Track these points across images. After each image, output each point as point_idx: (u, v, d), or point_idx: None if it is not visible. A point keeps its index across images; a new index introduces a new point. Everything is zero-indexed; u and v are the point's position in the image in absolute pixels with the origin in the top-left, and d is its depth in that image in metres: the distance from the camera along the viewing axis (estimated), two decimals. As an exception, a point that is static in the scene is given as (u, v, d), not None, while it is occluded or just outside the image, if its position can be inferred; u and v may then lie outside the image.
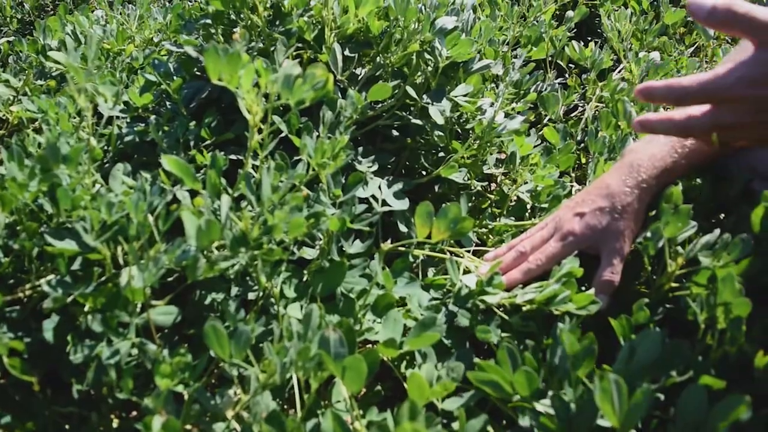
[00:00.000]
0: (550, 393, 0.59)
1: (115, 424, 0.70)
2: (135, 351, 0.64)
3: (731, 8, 0.65)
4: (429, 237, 0.72)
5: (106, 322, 0.64)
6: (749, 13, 0.65)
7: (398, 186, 0.90)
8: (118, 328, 0.65)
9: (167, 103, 1.04)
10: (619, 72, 1.49)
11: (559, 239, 0.80)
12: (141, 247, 0.63)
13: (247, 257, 0.60)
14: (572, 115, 1.45)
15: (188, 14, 1.11)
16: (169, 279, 0.76)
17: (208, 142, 0.95)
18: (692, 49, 1.66)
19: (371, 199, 0.86)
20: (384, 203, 0.87)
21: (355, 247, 0.79)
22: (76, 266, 0.67)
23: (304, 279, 0.74)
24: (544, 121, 1.32)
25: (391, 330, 0.64)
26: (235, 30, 0.99)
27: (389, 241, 0.68)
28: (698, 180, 0.88)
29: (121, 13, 1.50)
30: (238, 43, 0.63)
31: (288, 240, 0.63)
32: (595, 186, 0.83)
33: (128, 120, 1.03)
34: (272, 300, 0.71)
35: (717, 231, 0.72)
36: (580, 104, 1.45)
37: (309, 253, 0.76)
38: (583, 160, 1.27)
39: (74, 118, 0.98)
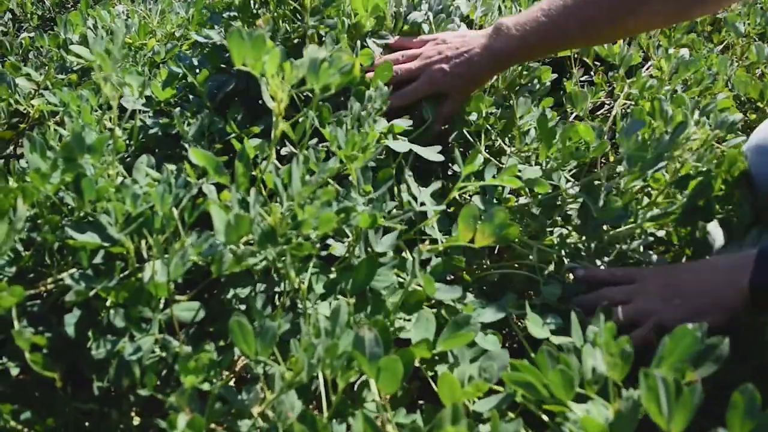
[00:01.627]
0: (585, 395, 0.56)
1: (136, 421, 0.68)
2: (157, 347, 0.63)
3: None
4: (472, 241, 0.68)
5: (128, 317, 0.62)
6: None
7: (436, 186, 0.86)
8: (141, 323, 0.63)
9: (190, 96, 1.02)
10: (648, 69, 1.45)
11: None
12: (165, 241, 0.62)
13: (275, 252, 0.58)
14: (598, 112, 1.42)
15: (213, 7, 1.10)
16: (190, 275, 0.74)
17: (233, 135, 0.93)
18: (721, 47, 1.61)
19: (409, 198, 0.82)
20: (422, 204, 0.83)
21: (384, 244, 0.76)
22: (98, 260, 0.66)
23: (332, 276, 0.71)
24: (570, 118, 1.28)
25: (423, 330, 0.61)
26: (259, 17, 0.97)
27: (426, 242, 0.64)
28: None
29: (142, 8, 1.49)
30: (262, 29, 0.61)
31: (316, 236, 0.61)
32: (462, 40, 0.99)
33: (150, 114, 1.02)
34: (298, 296, 0.69)
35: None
36: (607, 102, 1.42)
37: (339, 249, 0.73)
38: (611, 159, 1.24)
39: (96, 111, 0.96)
